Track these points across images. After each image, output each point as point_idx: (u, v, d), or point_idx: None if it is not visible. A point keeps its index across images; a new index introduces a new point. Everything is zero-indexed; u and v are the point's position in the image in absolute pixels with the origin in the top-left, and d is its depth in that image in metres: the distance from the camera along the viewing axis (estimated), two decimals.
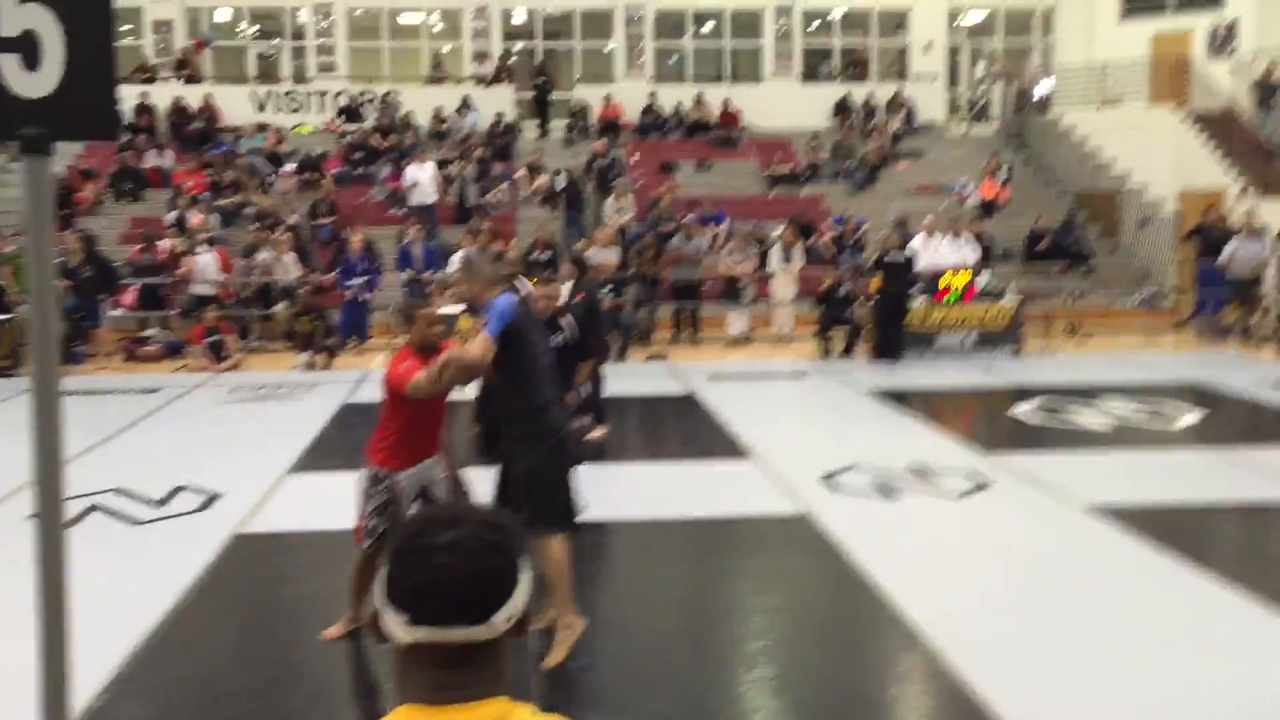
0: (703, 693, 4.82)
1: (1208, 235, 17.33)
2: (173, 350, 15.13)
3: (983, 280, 15.28)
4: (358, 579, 5.29)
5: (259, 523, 7.34)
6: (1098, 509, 7.42)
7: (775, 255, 16.55)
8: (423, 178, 18.78)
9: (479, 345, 4.85)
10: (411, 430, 5.16)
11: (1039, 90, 23.97)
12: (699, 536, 7.09)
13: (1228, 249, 16.85)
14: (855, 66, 25.81)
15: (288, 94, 23.78)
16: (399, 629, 1.43)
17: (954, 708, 4.67)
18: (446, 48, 25.91)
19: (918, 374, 13.38)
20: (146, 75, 23.37)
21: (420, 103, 23.06)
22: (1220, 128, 21.01)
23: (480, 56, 24.62)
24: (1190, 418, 10.59)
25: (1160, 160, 20.67)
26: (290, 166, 20.45)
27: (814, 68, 25.91)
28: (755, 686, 4.92)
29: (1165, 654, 5.11)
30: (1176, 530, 6.99)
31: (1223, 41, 24.01)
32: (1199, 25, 24.16)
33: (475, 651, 1.41)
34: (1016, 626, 5.47)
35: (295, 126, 23.04)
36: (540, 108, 23.37)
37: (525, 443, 5.07)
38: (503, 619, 1.42)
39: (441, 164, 19.84)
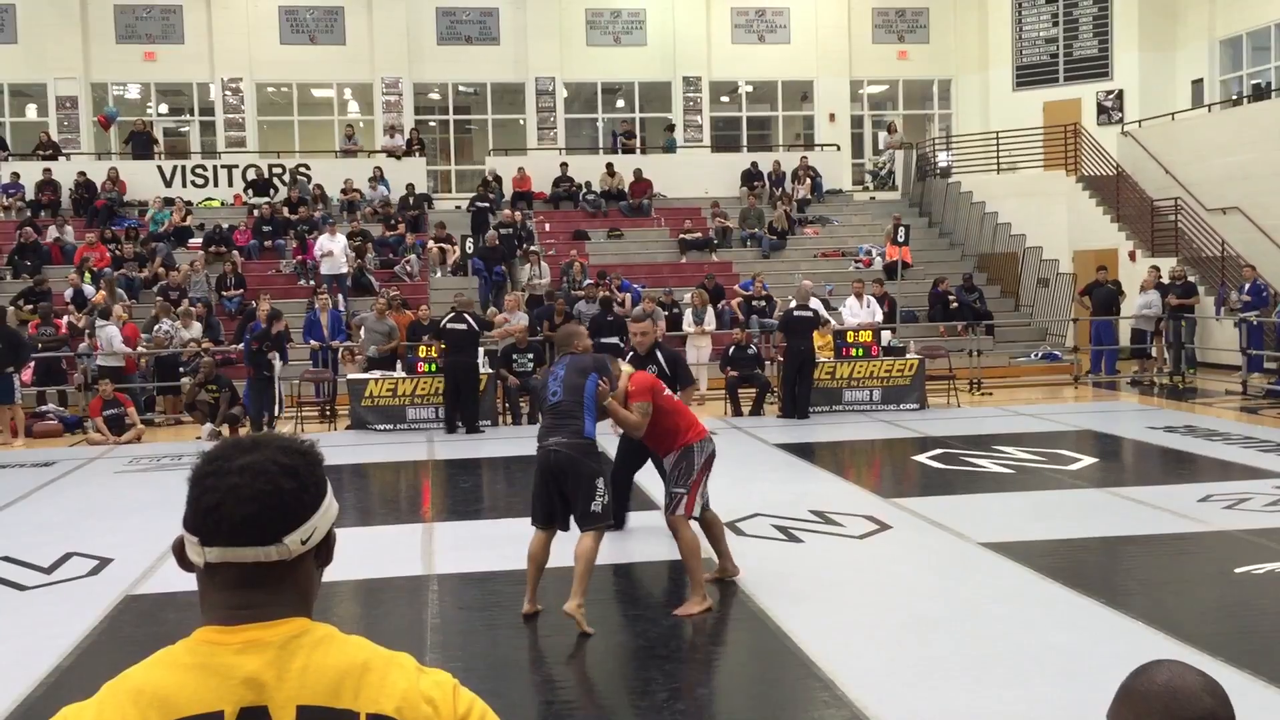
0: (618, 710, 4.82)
1: (1100, 293, 17.93)
2: (72, 425, 14.77)
3: (885, 338, 15.61)
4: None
5: (151, 584, 7.16)
6: (990, 545, 7.57)
7: (687, 318, 16.75)
8: (334, 248, 18.75)
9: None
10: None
11: (939, 158, 24.78)
12: (617, 580, 7.20)
13: (1137, 301, 17.51)
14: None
15: (195, 168, 23.62)
16: (193, 551, 1.45)
17: None
18: (359, 122, 26.02)
19: (824, 429, 13.56)
20: (49, 152, 23.09)
21: (331, 175, 23.06)
22: (1109, 191, 21.88)
23: (392, 130, 24.75)
24: (1083, 462, 10.87)
25: (1054, 222, 21.43)
26: (197, 240, 20.26)
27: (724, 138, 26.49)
28: (656, 713, 4.90)
29: (1047, 672, 5.22)
30: (1064, 561, 7.16)
31: (1109, 109, 25.13)
32: (1087, 94, 25.28)
33: (270, 572, 1.43)
34: (905, 652, 5.55)
35: (203, 200, 22.87)
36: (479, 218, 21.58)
37: None
38: (296, 540, 1.43)
39: (352, 235, 19.81)
